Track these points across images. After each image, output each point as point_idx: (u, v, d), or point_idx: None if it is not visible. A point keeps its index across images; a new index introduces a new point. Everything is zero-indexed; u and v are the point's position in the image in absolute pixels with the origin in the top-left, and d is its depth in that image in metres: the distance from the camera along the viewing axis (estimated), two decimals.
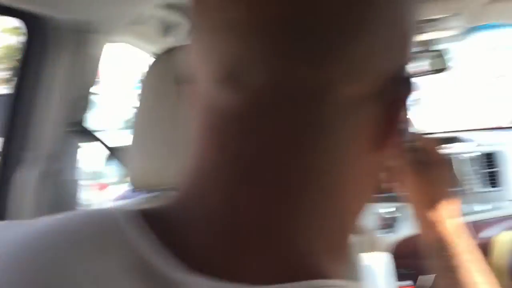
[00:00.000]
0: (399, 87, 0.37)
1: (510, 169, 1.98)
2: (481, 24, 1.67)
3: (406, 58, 0.38)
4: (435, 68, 1.79)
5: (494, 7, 1.45)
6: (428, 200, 0.78)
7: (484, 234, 1.95)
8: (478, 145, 2.09)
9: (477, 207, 1.96)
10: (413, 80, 0.38)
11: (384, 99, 0.36)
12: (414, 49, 0.39)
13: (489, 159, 2.01)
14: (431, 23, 1.58)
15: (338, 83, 0.33)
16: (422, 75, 1.87)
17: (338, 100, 0.33)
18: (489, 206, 1.96)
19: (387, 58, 0.35)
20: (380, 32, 0.34)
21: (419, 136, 0.82)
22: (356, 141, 0.36)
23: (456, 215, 0.79)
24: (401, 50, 0.37)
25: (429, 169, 0.79)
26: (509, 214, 1.90)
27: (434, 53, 1.78)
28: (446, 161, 0.82)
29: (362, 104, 0.35)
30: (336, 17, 0.32)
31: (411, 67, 0.39)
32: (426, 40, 1.80)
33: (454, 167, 2.00)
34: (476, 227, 1.95)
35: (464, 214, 1.96)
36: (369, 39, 0.33)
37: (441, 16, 1.54)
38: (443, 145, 2.10)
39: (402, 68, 0.37)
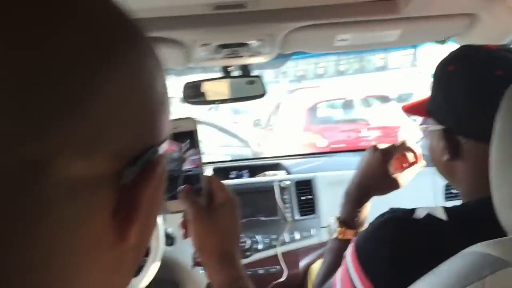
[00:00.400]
0: (144, 168, 0.33)
1: (323, 197, 2.02)
2: (289, 51, 1.67)
3: (153, 136, 0.35)
4: (252, 94, 1.75)
5: (297, 36, 1.46)
6: (209, 247, 0.79)
7: (303, 262, 1.95)
8: (294, 172, 2.12)
9: (296, 235, 1.96)
10: (164, 158, 0.36)
11: (123, 182, 0.32)
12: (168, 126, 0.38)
13: (304, 186, 2.03)
14: (244, 48, 1.53)
15: (59, 159, 0.28)
16: (241, 101, 1.82)
17: (59, 180, 0.28)
18: (306, 234, 1.96)
19: (125, 137, 0.32)
20: (113, 108, 0.31)
21: (208, 180, 0.82)
22: (89, 231, 0.31)
23: (239, 258, 0.80)
24: (145, 129, 0.34)
25: (210, 214, 0.79)
26: (323, 241, 1.92)
27: (252, 79, 1.74)
28: (232, 204, 0.82)
29: (93, 186, 0.30)
30: (57, 84, 0.28)
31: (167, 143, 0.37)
32: (243, 65, 1.76)
33: (275, 195, 1.98)
34: (294, 255, 1.93)
35: (283, 243, 1.97)
36: (98, 115, 0.30)
37: (252, 41, 1.49)
38: (266, 172, 2.05)
39: (147, 147, 0.34)
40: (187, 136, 0.83)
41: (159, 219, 1.72)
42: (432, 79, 0.95)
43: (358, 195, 1.15)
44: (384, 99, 7.96)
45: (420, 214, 0.82)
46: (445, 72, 0.88)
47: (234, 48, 1.49)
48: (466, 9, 1.41)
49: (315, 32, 1.49)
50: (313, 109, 7.50)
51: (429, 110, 0.93)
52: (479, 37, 1.51)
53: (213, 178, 0.83)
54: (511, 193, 0.59)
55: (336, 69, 19.07)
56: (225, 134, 5.77)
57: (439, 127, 0.90)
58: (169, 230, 1.86)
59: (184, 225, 0.81)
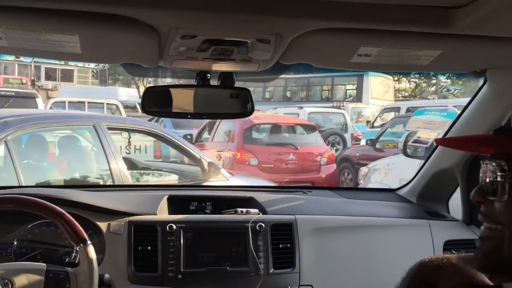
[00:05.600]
0: None
1: (305, 246, 1.63)
2: (292, 61, 1.30)
3: None
4: (237, 111, 1.37)
5: (310, 41, 1.09)
6: None
7: None
8: (270, 212, 1.72)
9: None
10: None
11: None
12: None
13: (281, 231, 1.64)
14: (240, 49, 1.14)
15: None
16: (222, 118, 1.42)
17: None
18: None
19: None
20: None
21: None
22: None
23: None
24: None
25: None
26: None
27: (238, 91, 1.35)
28: None
29: None
30: None
31: None
32: (226, 73, 1.36)
33: (248, 240, 1.57)
34: None
35: None
36: None
37: (252, 40, 1.11)
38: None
39: None
40: None
41: (94, 263, 1.28)
42: None
43: None
44: (311, 127, 8.57)
45: None
46: None
47: (227, 46, 1.09)
48: None
49: (335, 39, 1.12)
50: (248, 130, 7.88)
51: None
52: None
53: None
54: None
55: (283, 95, 19.14)
56: (173, 148, 5.28)
57: None
58: (106, 277, 1.41)
59: None
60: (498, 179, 0.72)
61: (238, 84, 1.42)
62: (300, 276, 1.58)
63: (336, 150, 10.23)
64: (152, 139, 5.63)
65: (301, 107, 12.14)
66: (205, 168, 4.77)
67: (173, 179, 5.08)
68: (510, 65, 1.23)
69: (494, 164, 0.73)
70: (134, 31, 1.03)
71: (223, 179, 4.66)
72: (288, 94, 19.36)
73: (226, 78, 1.40)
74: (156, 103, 1.40)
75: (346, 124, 11.83)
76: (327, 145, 9.92)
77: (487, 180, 0.75)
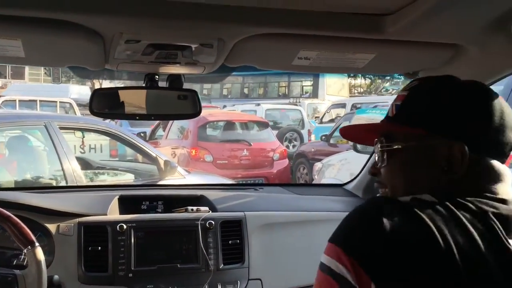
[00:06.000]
0: None
1: (253, 241, 1.68)
2: (236, 64, 1.35)
3: None
4: (184, 112, 1.40)
5: (252, 45, 1.15)
6: None
7: None
8: (220, 209, 1.76)
9: None
10: None
11: None
12: None
13: (231, 228, 1.69)
14: (184, 52, 1.17)
15: None
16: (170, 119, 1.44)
17: None
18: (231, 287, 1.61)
19: None
20: None
21: None
22: None
23: None
24: None
25: None
26: None
27: (185, 93, 1.38)
28: None
29: None
30: None
31: None
32: (173, 75, 1.40)
33: (198, 237, 1.61)
34: None
35: None
36: None
37: (196, 45, 1.15)
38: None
39: None
40: None
41: (42, 265, 1.28)
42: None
43: None
44: (263, 124, 8.79)
45: None
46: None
47: (171, 51, 1.13)
48: (454, 39, 1.19)
49: (276, 43, 1.18)
50: (202, 127, 7.98)
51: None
52: (457, 73, 1.31)
53: None
54: None
55: (240, 92, 19.23)
56: (129, 147, 5.23)
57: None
58: (56, 278, 1.42)
59: None
60: (380, 149, 0.90)
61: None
62: (249, 271, 1.64)
63: (294, 146, 10.44)
64: (108, 138, 5.56)
65: (259, 104, 12.26)
66: (161, 167, 4.75)
67: (128, 178, 5.03)
68: (439, 68, 1.32)
69: (378, 141, 0.91)
70: (78, 36, 1.05)
71: (179, 177, 4.66)
72: (246, 91, 19.44)
73: (174, 80, 1.43)
74: (105, 104, 1.42)
75: (302, 120, 12.03)
76: (285, 141, 10.13)
77: (377, 156, 0.92)
